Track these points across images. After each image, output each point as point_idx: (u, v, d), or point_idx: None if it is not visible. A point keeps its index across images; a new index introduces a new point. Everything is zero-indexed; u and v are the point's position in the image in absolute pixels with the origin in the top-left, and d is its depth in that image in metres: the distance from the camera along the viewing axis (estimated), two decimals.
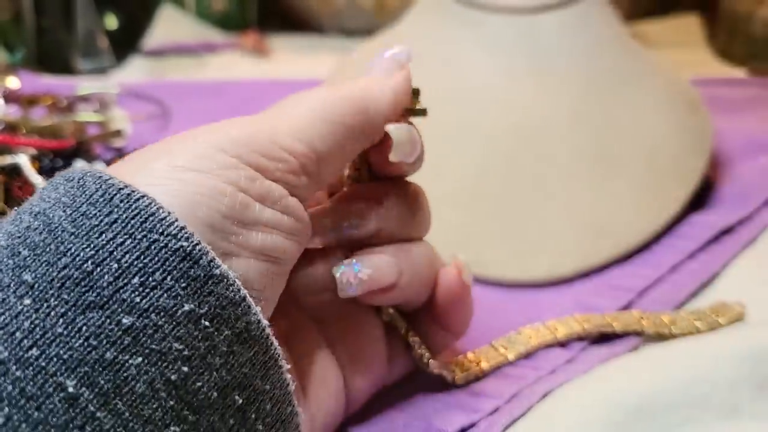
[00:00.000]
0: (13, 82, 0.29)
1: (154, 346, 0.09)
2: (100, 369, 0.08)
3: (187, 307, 0.09)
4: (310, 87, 0.42)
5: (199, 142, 0.11)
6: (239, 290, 0.10)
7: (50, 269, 0.09)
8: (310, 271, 0.13)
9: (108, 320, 0.08)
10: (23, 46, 0.39)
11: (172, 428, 0.09)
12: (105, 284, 0.09)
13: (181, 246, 0.09)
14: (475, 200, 0.21)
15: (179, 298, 0.09)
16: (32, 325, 0.08)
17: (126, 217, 0.09)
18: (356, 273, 0.13)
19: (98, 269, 0.09)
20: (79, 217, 0.09)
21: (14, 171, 0.23)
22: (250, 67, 0.42)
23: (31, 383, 0.08)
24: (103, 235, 0.09)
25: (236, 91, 0.37)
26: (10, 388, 0.08)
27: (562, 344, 0.17)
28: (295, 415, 0.11)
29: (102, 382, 0.08)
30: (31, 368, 0.08)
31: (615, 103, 0.22)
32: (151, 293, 0.09)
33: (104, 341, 0.08)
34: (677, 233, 0.21)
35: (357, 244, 0.13)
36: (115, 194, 0.09)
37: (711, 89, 0.33)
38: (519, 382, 0.16)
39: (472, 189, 0.21)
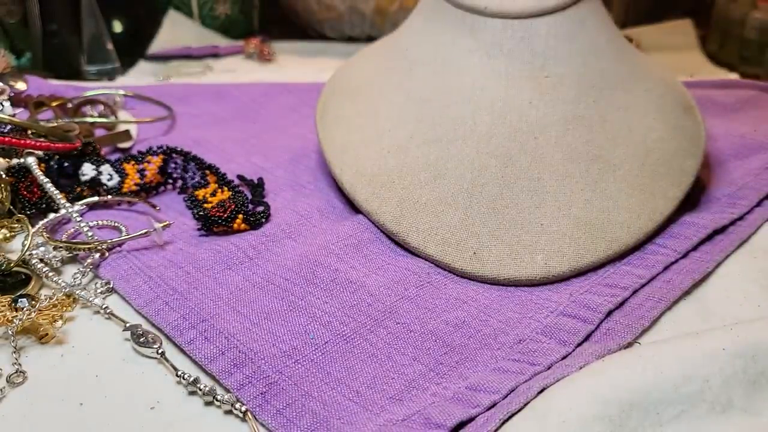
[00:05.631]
0: (20, 85, 0.30)
1: None
2: None
3: None
4: (312, 91, 0.42)
5: None
6: None
7: None
8: None
9: None
10: (30, 50, 0.39)
11: None
12: None
13: None
14: (473, 200, 0.21)
15: None
16: None
17: None
18: None
19: None
20: None
21: (22, 172, 0.24)
22: (253, 72, 0.43)
23: None
24: None
25: (240, 93, 0.37)
26: None
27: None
28: None
29: None
30: None
31: (610, 105, 0.23)
32: None
33: None
34: (671, 233, 0.22)
35: None
36: None
37: (704, 92, 0.33)
38: (516, 377, 0.16)
39: (469, 189, 0.21)
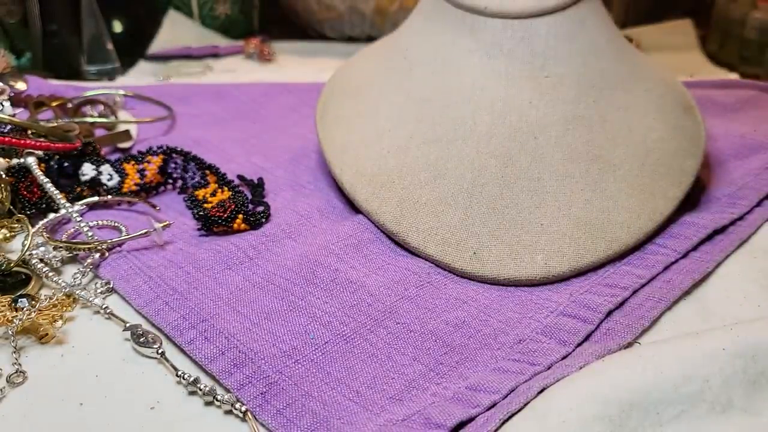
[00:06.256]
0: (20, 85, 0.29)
1: None
2: None
3: None
4: (312, 91, 0.42)
5: None
6: None
7: None
8: None
9: None
10: (30, 50, 0.39)
11: None
12: None
13: None
14: (473, 200, 0.21)
15: None
16: None
17: None
18: None
19: None
20: None
21: (22, 172, 0.24)
22: (253, 72, 0.43)
23: None
24: None
25: (240, 93, 0.37)
26: None
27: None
28: None
29: None
30: None
31: (610, 105, 0.23)
32: None
33: None
34: (670, 233, 0.22)
35: None
36: None
37: (704, 92, 0.33)
38: (516, 377, 0.16)
39: (469, 189, 0.21)
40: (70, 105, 0.31)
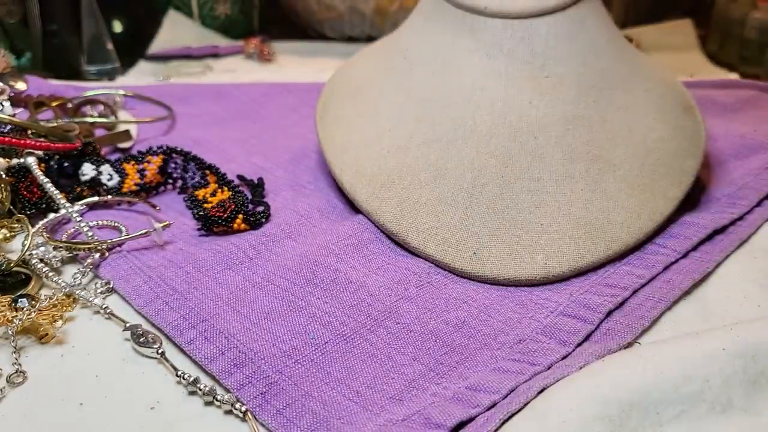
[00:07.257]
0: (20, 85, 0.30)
1: None
2: None
3: None
4: (312, 91, 0.42)
5: None
6: None
7: None
8: None
9: None
10: (30, 50, 0.39)
11: None
12: None
13: None
14: (473, 200, 0.21)
15: None
16: None
17: None
18: None
19: None
20: None
21: (22, 172, 0.24)
22: (253, 72, 0.43)
23: None
24: None
25: (240, 93, 0.37)
26: None
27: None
28: None
29: None
30: None
31: (610, 105, 0.23)
32: None
33: None
34: (670, 233, 0.22)
35: None
36: None
37: (704, 92, 0.33)
38: (516, 377, 0.16)
39: (469, 189, 0.21)
40: (70, 105, 0.31)
